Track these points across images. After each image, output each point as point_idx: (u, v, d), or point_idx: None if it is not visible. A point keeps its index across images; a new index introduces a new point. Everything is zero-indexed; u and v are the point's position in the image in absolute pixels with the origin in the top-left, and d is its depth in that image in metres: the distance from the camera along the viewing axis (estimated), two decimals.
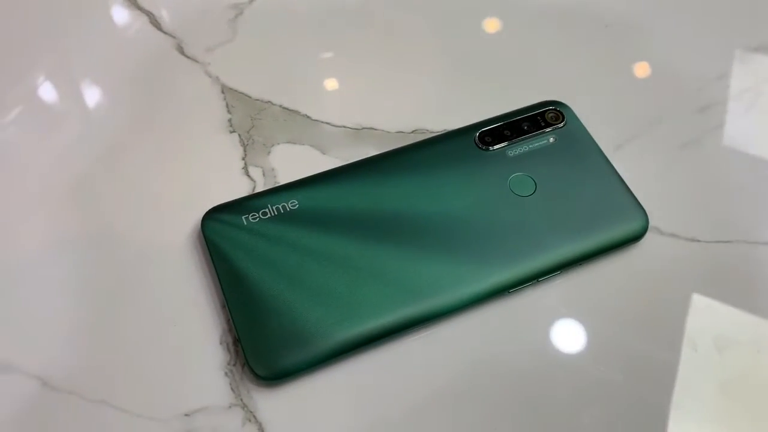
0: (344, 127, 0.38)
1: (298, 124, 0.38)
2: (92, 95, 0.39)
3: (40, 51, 0.41)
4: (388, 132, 0.38)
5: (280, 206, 0.34)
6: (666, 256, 0.35)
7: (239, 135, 0.38)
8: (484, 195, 0.34)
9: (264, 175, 0.36)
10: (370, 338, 0.31)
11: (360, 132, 0.38)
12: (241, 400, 0.30)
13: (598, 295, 0.33)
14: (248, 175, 0.36)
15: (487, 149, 0.36)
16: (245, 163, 0.37)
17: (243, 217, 0.33)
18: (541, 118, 0.37)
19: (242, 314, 0.31)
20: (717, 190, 0.37)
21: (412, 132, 0.38)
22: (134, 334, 0.31)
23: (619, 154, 0.38)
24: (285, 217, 0.33)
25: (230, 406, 0.30)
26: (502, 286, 0.32)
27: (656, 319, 0.33)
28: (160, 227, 0.34)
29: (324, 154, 0.37)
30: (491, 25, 0.44)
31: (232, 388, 0.30)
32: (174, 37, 0.41)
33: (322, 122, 0.39)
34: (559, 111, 0.37)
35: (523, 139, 0.36)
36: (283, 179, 0.36)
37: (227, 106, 0.39)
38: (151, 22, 0.42)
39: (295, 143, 0.38)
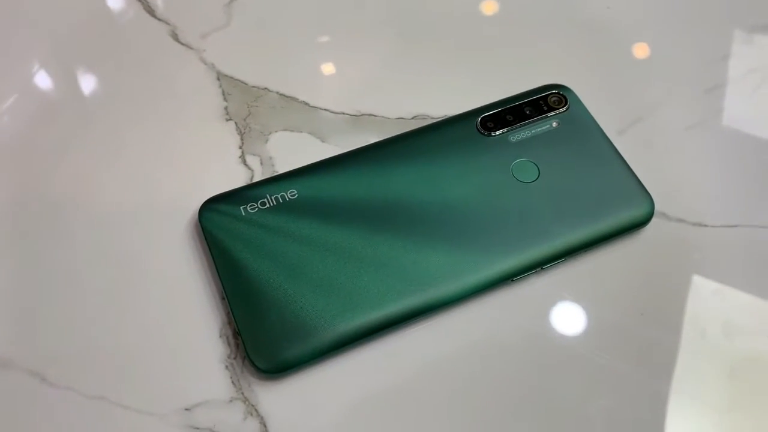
0: (343, 113, 0.38)
1: (296, 111, 0.38)
2: (86, 85, 0.39)
3: (31, 39, 0.40)
4: (388, 118, 0.38)
5: (278, 196, 0.33)
6: (672, 242, 0.34)
7: (236, 123, 0.37)
8: (487, 182, 0.34)
9: (262, 163, 0.36)
10: (373, 329, 0.30)
11: (359, 118, 0.38)
12: (242, 393, 0.29)
13: (604, 282, 0.33)
14: (246, 164, 0.36)
15: (489, 135, 0.35)
16: (242, 152, 0.36)
17: (241, 208, 0.33)
18: (544, 102, 0.37)
19: (242, 306, 0.30)
20: (723, 174, 0.36)
21: (413, 118, 0.38)
22: (132, 327, 0.31)
23: (623, 138, 0.37)
24: (284, 207, 0.33)
25: (231, 400, 0.29)
26: (506, 274, 0.32)
27: (663, 306, 0.32)
28: (157, 218, 0.34)
29: (323, 141, 0.37)
30: (489, 7, 0.43)
31: (232, 382, 0.30)
32: (168, 23, 0.41)
33: (321, 109, 0.38)
34: (561, 95, 0.37)
35: (525, 124, 0.36)
36: (282, 168, 0.35)
37: (223, 93, 0.38)
38: (145, 9, 0.41)
39: (293, 131, 0.37)
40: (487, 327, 0.31)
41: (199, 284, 0.32)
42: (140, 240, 0.33)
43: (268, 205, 0.33)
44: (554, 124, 0.36)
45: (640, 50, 0.41)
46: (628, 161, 0.35)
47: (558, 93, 0.37)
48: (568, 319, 0.32)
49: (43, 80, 0.39)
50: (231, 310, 0.30)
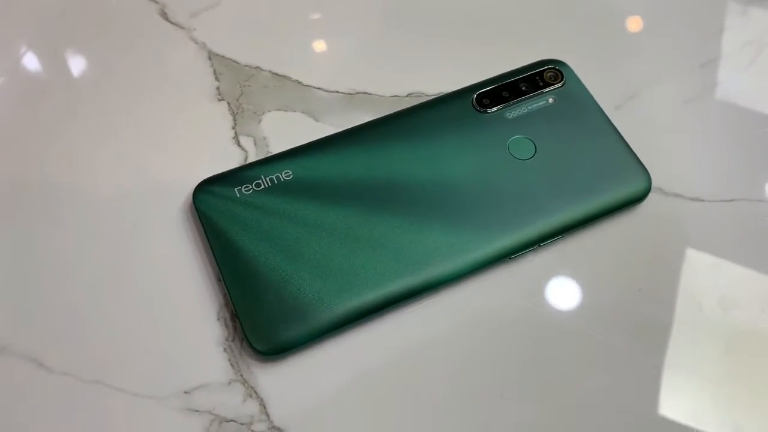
0: (337, 92, 0.37)
1: (289, 90, 0.37)
2: (75, 67, 0.38)
3: (18, 21, 0.39)
4: (383, 96, 0.37)
5: (273, 177, 0.33)
6: (669, 217, 0.34)
7: (228, 103, 0.36)
8: (483, 159, 0.34)
9: (255, 144, 0.35)
10: (371, 309, 0.30)
11: (354, 97, 0.37)
12: (241, 375, 0.29)
13: (601, 258, 0.33)
14: (239, 145, 0.35)
15: (485, 112, 0.35)
16: (235, 133, 0.36)
17: (236, 189, 0.32)
18: (540, 77, 0.36)
19: (239, 289, 0.30)
20: (720, 148, 0.36)
21: (408, 96, 0.37)
22: (129, 311, 0.30)
23: (620, 113, 0.37)
24: (279, 188, 0.32)
25: (230, 383, 0.29)
26: (504, 252, 0.32)
27: (660, 281, 0.32)
28: (151, 201, 0.33)
29: (317, 121, 0.36)
30: None
31: (231, 364, 0.29)
32: (157, 2, 0.40)
33: (314, 87, 0.37)
34: (558, 70, 0.36)
35: (521, 101, 0.35)
36: (276, 148, 0.35)
37: (215, 73, 0.37)
38: None
39: (286, 110, 0.36)
40: (485, 305, 0.31)
41: (195, 266, 0.32)
42: (135, 223, 0.33)
43: (263, 187, 0.32)
44: (550, 100, 0.36)
45: (635, 24, 0.41)
46: (625, 136, 0.35)
47: (554, 68, 0.36)
48: (566, 296, 0.32)
49: (31, 62, 0.38)
50: (228, 292, 0.30)
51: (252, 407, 0.29)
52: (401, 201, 0.32)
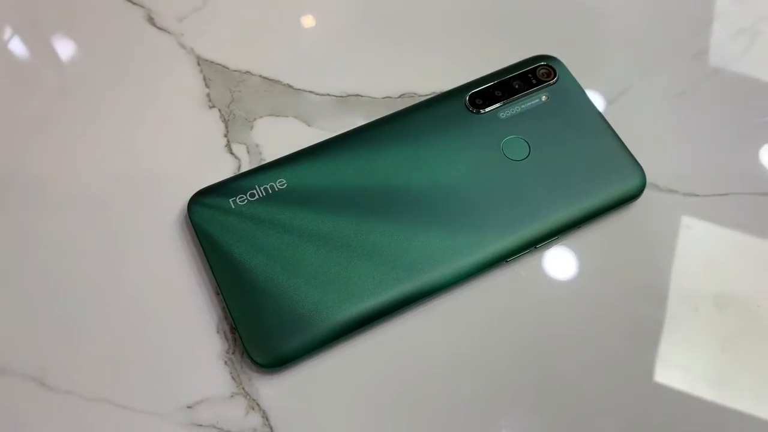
0: (328, 95, 0.37)
1: (280, 95, 0.37)
2: (62, 76, 0.37)
3: None
4: (375, 98, 0.37)
5: (267, 186, 0.32)
6: (664, 213, 0.34)
7: (219, 110, 0.36)
8: (477, 161, 0.33)
9: (248, 152, 0.35)
10: (370, 318, 0.30)
11: (345, 99, 0.37)
12: (243, 388, 0.29)
13: (597, 257, 0.33)
14: (232, 153, 0.35)
15: (478, 112, 0.35)
16: (228, 141, 0.35)
17: (230, 200, 0.32)
18: (533, 75, 0.36)
19: (237, 301, 0.30)
20: (714, 140, 0.36)
21: (400, 97, 0.37)
22: (128, 327, 0.31)
23: (614, 108, 0.37)
24: (274, 198, 0.32)
25: (232, 396, 0.29)
26: (500, 255, 0.32)
27: (656, 278, 0.32)
28: (145, 213, 0.33)
29: (309, 125, 0.36)
30: None
31: (232, 377, 0.30)
32: (142, 6, 0.39)
33: (305, 91, 0.37)
34: (550, 67, 0.36)
35: (514, 100, 0.35)
36: (269, 155, 0.35)
37: (205, 79, 0.37)
38: None
39: (278, 115, 0.36)
40: (483, 309, 0.31)
41: (193, 280, 0.32)
42: (130, 237, 0.33)
43: (257, 197, 0.32)
44: (543, 98, 0.35)
45: (627, 15, 0.40)
46: (618, 132, 0.35)
47: (547, 65, 0.36)
48: (564, 296, 0.32)
49: (15, 79, 0.38)
50: (226, 305, 0.30)
51: (254, 420, 0.29)
52: (396, 206, 0.32)
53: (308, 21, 0.40)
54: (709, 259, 0.33)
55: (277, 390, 0.29)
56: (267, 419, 0.29)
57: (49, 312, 0.31)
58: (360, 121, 0.35)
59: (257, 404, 0.29)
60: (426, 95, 0.37)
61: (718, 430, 0.29)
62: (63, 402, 0.29)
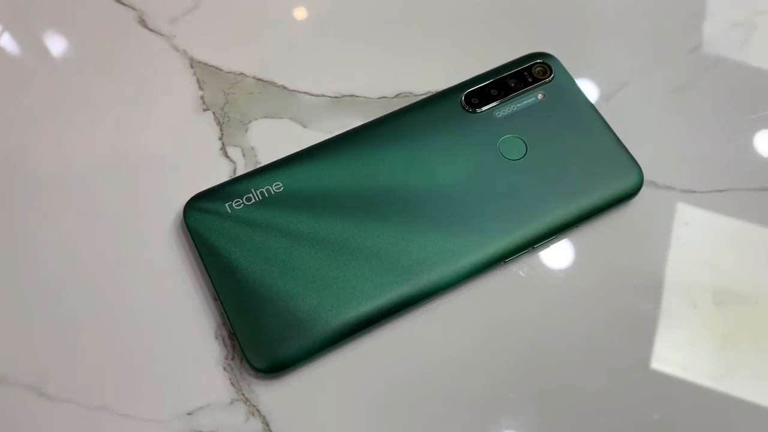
0: (323, 96, 0.37)
1: (275, 96, 0.37)
2: (53, 80, 0.37)
3: None
4: (370, 98, 0.37)
5: (263, 190, 0.32)
6: (662, 210, 0.34)
7: (213, 113, 0.36)
8: (474, 161, 0.33)
9: (244, 155, 0.35)
10: (368, 321, 0.30)
11: (341, 100, 0.37)
12: (243, 394, 0.29)
13: (595, 255, 0.33)
14: (227, 156, 0.35)
15: (474, 112, 0.35)
16: (223, 144, 0.35)
17: (226, 205, 0.32)
18: (528, 73, 0.36)
19: (235, 306, 0.30)
20: (711, 136, 0.36)
21: (396, 96, 0.37)
22: (126, 334, 0.30)
23: (610, 105, 0.37)
24: (270, 202, 0.32)
25: (232, 402, 0.29)
26: (499, 256, 0.32)
27: (655, 276, 0.32)
28: (140, 219, 0.33)
29: (305, 127, 0.36)
30: None
31: (232, 383, 0.30)
32: (134, 8, 0.39)
33: (300, 92, 0.37)
34: (546, 64, 0.36)
35: (510, 98, 0.35)
36: (264, 158, 0.35)
37: (198, 81, 0.37)
38: None
39: (273, 117, 0.36)
40: (482, 310, 0.31)
41: (190, 285, 0.31)
42: (125, 243, 0.32)
43: (253, 200, 0.32)
44: (540, 96, 0.35)
45: (620, 12, 0.40)
46: (615, 129, 0.34)
47: (542, 63, 0.36)
48: (563, 295, 0.32)
49: (2, 78, 0.37)
50: (224, 310, 0.30)
51: (255, 426, 0.29)
52: (394, 208, 0.32)
53: (302, 21, 0.39)
54: (708, 255, 0.33)
55: (277, 395, 0.29)
56: (267, 425, 0.29)
57: (47, 321, 0.31)
58: (356, 122, 0.35)
59: (257, 410, 0.29)
60: (422, 95, 0.37)
61: (719, 427, 0.30)
62: (63, 411, 0.29)
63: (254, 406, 0.29)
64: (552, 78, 0.36)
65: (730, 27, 0.39)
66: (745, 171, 0.35)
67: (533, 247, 0.32)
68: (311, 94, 0.37)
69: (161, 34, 0.38)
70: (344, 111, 0.36)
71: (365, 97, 0.37)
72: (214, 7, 0.39)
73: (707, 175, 0.35)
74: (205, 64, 0.37)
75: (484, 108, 0.35)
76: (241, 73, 0.37)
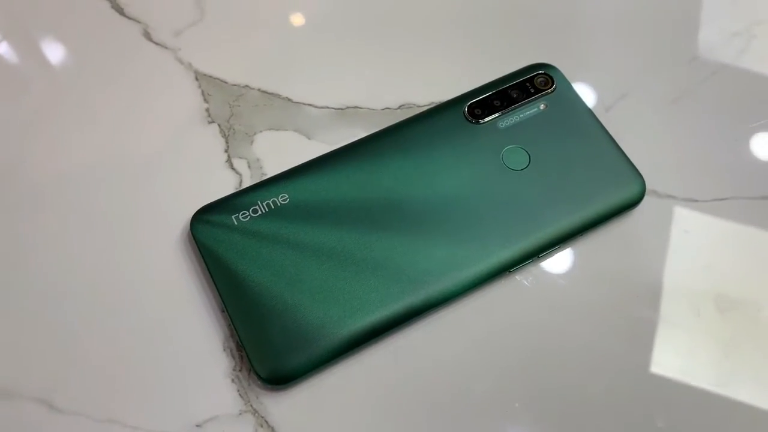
0: (328, 107, 0.37)
1: (279, 108, 0.37)
2: (58, 93, 0.37)
3: None
4: (374, 110, 0.37)
5: (270, 202, 0.33)
6: (664, 219, 0.34)
7: (219, 125, 0.36)
8: (478, 172, 0.34)
9: (249, 166, 0.35)
10: (375, 332, 0.30)
11: (345, 112, 0.37)
12: (251, 406, 0.30)
13: (599, 264, 0.33)
14: (233, 168, 0.35)
15: (478, 122, 0.35)
16: (228, 156, 0.35)
17: (233, 217, 0.32)
18: (530, 84, 0.36)
19: (243, 318, 0.30)
20: (712, 145, 0.36)
21: (399, 108, 0.37)
22: (134, 346, 0.31)
23: (611, 115, 0.37)
24: (276, 213, 0.32)
25: (240, 413, 0.29)
26: (504, 266, 0.32)
27: (658, 284, 0.33)
28: (147, 232, 0.33)
29: (309, 139, 0.36)
30: None
31: (240, 395, 0.30)
32: (139, 22, 0.39)
33: (304, 104, 0.37)
34: (548, 75, 0.36)
35: (513, 109, 0.35)
36: (270, 170, 0.35)
37: (203, 94, 0.37)
38: (113, 8, 0.39)
39: (278, 129, 0.36)
40: (488, 320, 0.32)
41: (197, 297, 0.32)
42: (133, 256, 0.33)
43: (260, 212, 0.32)
44: (542, 107, 0.36)
45: (620, 23, 0.40)
46: (616, 138, 0.35)
47: (544, 74, 0.36)
48: (567, 305, 0.32)
49: (9, 96, 0.38)
50: (232, 322, 0.30)
51: None
52: (399, 218, 0.32)
53: (306, 33, 0.40)
54: (710, 264, 0.33)
55: (285, 406, 0.30)
56: None
57: (54, 333, 0.31)
58: (360, 133, 0.35)
59: (265, 421, 0.29)
60: (425, 105, 0.37)
61: None
62: (72, 424, 0.29)
63: (263, 417, 0.29)
64: (554, 88, 0.36)
65: (729, 36, 0.40)
66: (747, 179, 0.35)
67: (537, 257, 0.32)
68: (316, 106, 0.37)
69: (166, 47, 0.38)
70: (348, 122, 0.36)
71: (369, 108, 0.37)
72: (219, 20, 0.39)
73: (708, 184, 0.35)
74: (210, 76, 0.38)
75: (487, 119, 0.35)
76: (246, 86, 0.37)
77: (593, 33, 0.40)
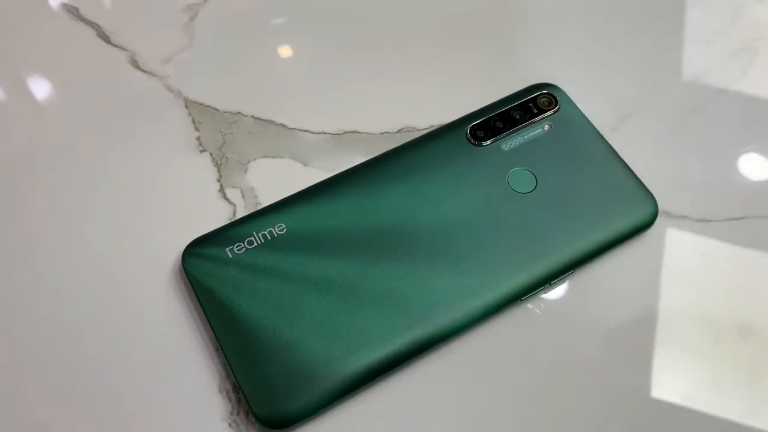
0: (324, 133, 0.36)
1: (274, 135, 0.35)
2: (44, 123, 0.36)
3: None
4: (373, 134, 0.36)
5: (266, 232, 0.31)
6: (678, 241, 0.33)
7: (211, 154, 0.35)
8: (484, 196, 0.32)
9: (243, 196, 0.33)
10: (381, 369, 0.28)
11: (342, 137, 0.35)
12: None
13: (613, 289, 0.32)
14: (226, 198, 0.33)
15: (480, 145, 0.34)
16: (221, 186, 0.34)
17: (227, 249, 0.30)
18: (534, 104, 0.35)
19: (239, 357, 0.28)
20: (722, 163, 0.35)
21: (398, 131, 0.36)
22: (126, 390, 0.29)
23: (618, 135, 0.36)
24: (273, 245, 0.31)
25: None
26: (515, 294, 0.30)
27: (674, 309, 0.31)
28: (137, 267, 0.31)
29: (306, 165, 0.34)
30: (463, 5, 0.40)
31: None
32: (126, 49, 0.38)
33: (300, 130, 0.36)
34: (551, 95, 0.35)
35: (516, 130, 0.34)
36: (265, 199, 0.33)
37: (194, 122, 0.36)
38: (99, 36, 0.38)
39: (273, 157, 0.35)
40: (500, 351, 0.30)
41: (191, 336, 0.30)
42: (121, 293, 0.31)
43: (255, 244, 0.31)
44: (546, 127, 0.34)
45: (625, 39, 0.40)
46: (625, 159, 0.33)
47: (548, 93, 0.35)
48: (581, 332, 0.31)
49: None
50: (227, 362, 0.28)
51: None
52: (402, 247, 0.31)
53: (299, 58, 0.38)
54: (729, 287, 0.32)
55: None
56: None
57: (42, 375, 0.29)
58: (358, 159, 0.34)
59: None
60: (425, 129, 0.36)
61: None
62: None
63: None
64: (558, 109, 0.35)
65: (731, 53, 0.39)
66: (759, 197, 0.34)
67: (550, 284, 0.31)
68: (312, 132, 0.36)
69: (154, 75, 0.37)
70: (346, 148, 0.35)
71: (367, 132, 0.36)
72: (208, 46, 0.38)
73: (723, 204, 0.34)
74: (201, 104, 0.36)
75: (490, 141, 0.34)
76: (239, 113, 0.36)
77: (596, 52, 0.39)
